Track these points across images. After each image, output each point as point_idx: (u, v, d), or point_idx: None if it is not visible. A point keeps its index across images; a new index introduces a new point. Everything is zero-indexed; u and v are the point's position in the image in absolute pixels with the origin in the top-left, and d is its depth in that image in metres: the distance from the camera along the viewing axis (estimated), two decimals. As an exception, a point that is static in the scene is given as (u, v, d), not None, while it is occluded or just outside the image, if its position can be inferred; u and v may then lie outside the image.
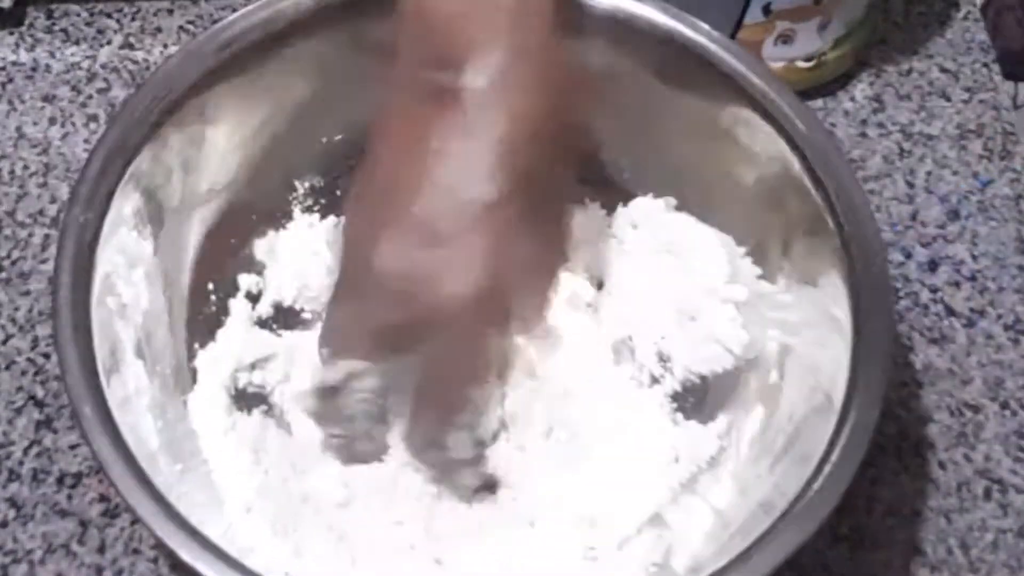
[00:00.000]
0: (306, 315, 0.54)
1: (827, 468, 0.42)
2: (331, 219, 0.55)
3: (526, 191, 0.42)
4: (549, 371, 0.51)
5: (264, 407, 0.51)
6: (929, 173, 0.61)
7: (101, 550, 0.50)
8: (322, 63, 0.53)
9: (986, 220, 0.60)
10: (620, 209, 0.55)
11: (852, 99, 0.63)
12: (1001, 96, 0.64)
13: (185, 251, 0.52)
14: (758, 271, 0.52)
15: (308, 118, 0.54)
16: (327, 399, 0.46)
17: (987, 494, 0.53)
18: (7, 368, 0.54)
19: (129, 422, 0.43)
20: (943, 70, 0.65)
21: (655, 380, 0.52)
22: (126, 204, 0.48)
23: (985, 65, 0.65)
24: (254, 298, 0.54)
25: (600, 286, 0.54)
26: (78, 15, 0.64)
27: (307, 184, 0.56)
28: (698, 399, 0.52)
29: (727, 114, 0.51)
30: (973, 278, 0.58)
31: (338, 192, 0.56)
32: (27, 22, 0.64)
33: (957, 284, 0.58)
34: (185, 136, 0.50)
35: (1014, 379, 0.55)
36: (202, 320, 0.52)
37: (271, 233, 0.55)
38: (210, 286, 0.53)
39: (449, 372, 0.44)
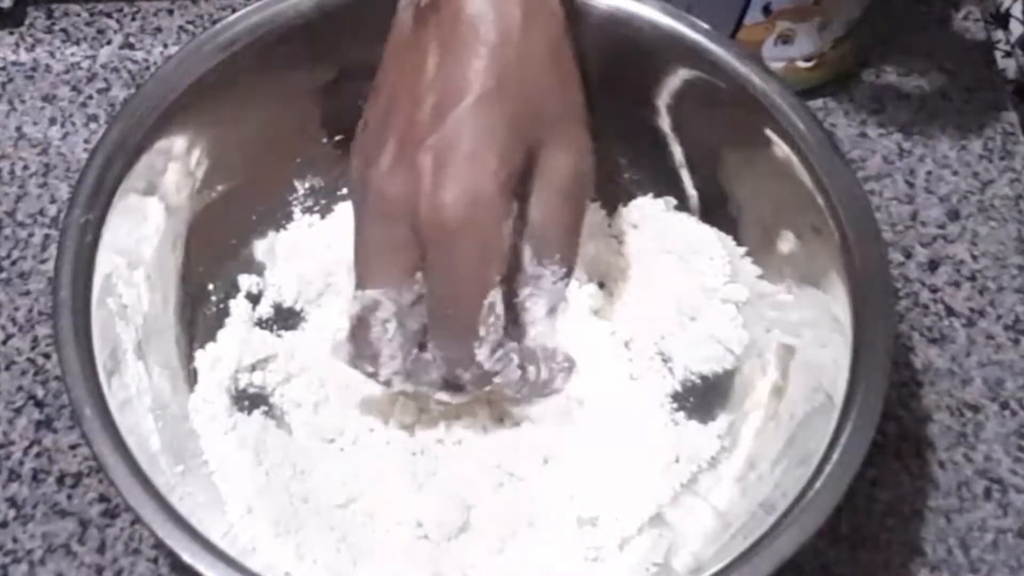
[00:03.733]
0: (306, 316, 0.54)
1: (828, 468, 0.42)
2: (331, 219, 0.55)
3: (519, 89, 0.43)
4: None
5: (265, 408, 0.51)
6: (929, 173, 0.61)
7: (101, 550, 0.50)
8: (322, 63, 0.53)
9: (986, 220, 0.60)
10: (620, 209, 0.55)
11: (852, 99, 0.63)
12: (1001, 96, 0.64)
13: (185, 252, 0.52)
14: (759, 271, 0.52)
15: (308, 118, 0.54)
16: (356, 338, 0.45)
17: (987, 494, 0.53)
18: (7, 368, 0.54)
19: (130, 423, 0.43)
20: (943, 70, 0.65)
21: (656, 380, 0.52)
22: (126, 205, 0.48)
23: (985, 65, 0.65)
24: (254, 299, 0.54)
25: (600, 286, 0.54)
26: (78, 15, 0.64)
27: (307, 184, 0.56)
28: (699, 399, 0.52)
29: (727, 114, 0.51)
30: (973, 278, 0.58)
31: (338, 192, 0.56)
32: (27, 22, 0.64)
33: (957, 284, 0.58)
34: (185, 137, 0.50)
35: (1014, 379, 0.55)
36: (202, 321, 0.52)
37: (271, 234, 0.55)
38: (210, 287, 0.53)
39: (454, 285, 0.44)
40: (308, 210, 0.56)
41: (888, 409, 0.54)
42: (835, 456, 0.42)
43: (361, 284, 0.45)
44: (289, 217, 0.55)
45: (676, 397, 0.52)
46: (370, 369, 0.46)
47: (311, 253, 0.54)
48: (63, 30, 0.64)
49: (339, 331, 0.47)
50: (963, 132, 0.63)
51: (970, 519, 0.52)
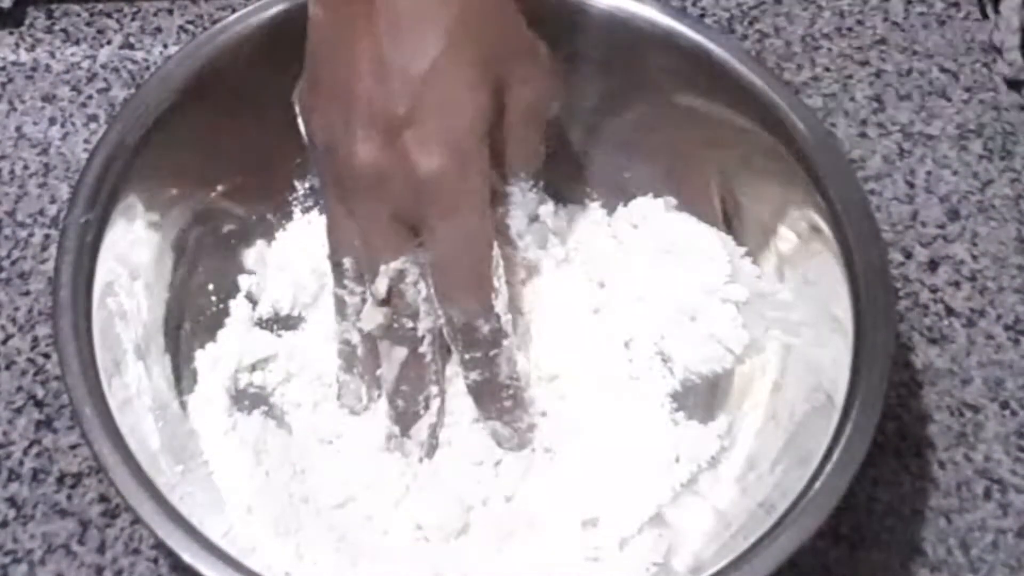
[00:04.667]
0: (305, 317, 0.54)
1: (828, 468, 0.42)
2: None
3: (472, 38, 0.43)
4: (550, 371, 0.51)
5: (265, 408, 0.51)
6: (929, 173, 0.61)
7: (101, 550, 0.50)
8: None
9: (986, 220, 0.60)
10: (620, 209, 0.55)
11: (852, 99, 0.63)
12: (1001, 96, 0.64)
13: (185, 252, 0.52)
14: (758, 271, 0.52)
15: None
16: (390, 304, 0.46)
17: (987, 494, 0.53)
18: (7, 368, 0.54)
19: (130, 423, 0.43)
20: (943, 70, 0.65)
21: (655, 380, 0.52)
22: (127, 205, 0.48)
23: (985, 65, 0.65)
24: (254, 299, 0.54)
25: (600, 286, 0.54)
26: (78, 15, 0.64)
27: (307, 184, 0.56)
28: (699, 399, 0.52)
29: (726, 114, 0.51)
30: (973, 278, 0.58)
31: None
32: (27, 22, 0.64)
33: (957, 284, 0.58)
34: (185, 137, 0.50)
35: (1014, 379, 0.55)
36: (203, 321, 0.52)
37: (272, 233, 0.55)
38: (210, 287, 0.53)
39: (462, 237, 0.44)
40: (308, 210, 0.56)
41: (888, 409, 0.54)
42: (835, 456, 0.42)
43: (375, 260, 0.45)
44: (289, 217, 0.55)
45: (676, 397, 0.52)
46: (410, 326, 0.46)
47: (310, 254, 0.54)
48: (63, 30, 0.64)
49: (284, 307, 0.47)
50: (963, 132, 0.63)
51: (970, 519, 0.52)
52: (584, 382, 0.51)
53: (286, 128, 0.53)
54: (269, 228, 0.55)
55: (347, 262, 0.47)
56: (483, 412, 0.48)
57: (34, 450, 0.52)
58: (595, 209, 0.56)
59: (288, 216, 0.55)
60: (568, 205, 0.55)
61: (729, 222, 0.53)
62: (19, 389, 0.53)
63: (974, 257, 0.59)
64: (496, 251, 0.45)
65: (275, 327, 0.53)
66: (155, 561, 0.49)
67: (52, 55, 0.63)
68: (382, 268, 0.45)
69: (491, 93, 0.44)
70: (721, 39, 0.51)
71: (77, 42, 0.63)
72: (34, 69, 0.62)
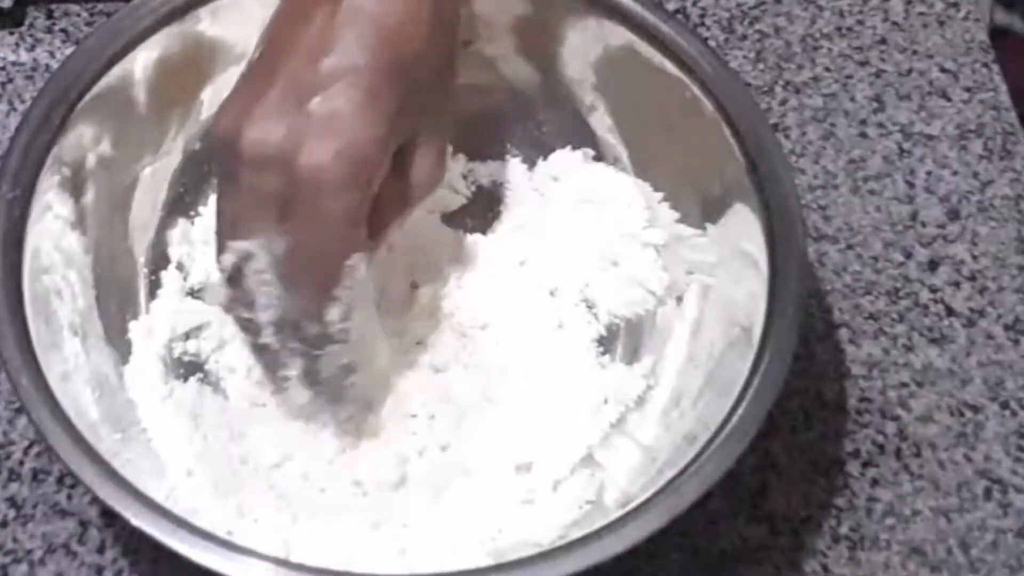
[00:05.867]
0: None
1: (748, 397, 0.44)
2: None
3: (394, 59, 0.43)
4: (477, 323, 0.53)
5: (200, 375, 0.52)
6: (929, 173, 0.61)
7: (101, 550, 0.50)
8: (251, 29, 0.53)
9: (986, 220, 0.60)
10: (540, 163, 0.57)
11: (852, 99, 0.63)
12: (1001, 96, 0.64)
13: (116, 225, 0.52)
14: (676, 215, 0.53)
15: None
16: (231, 286, 0.46)
17: (987, 494, 0.53)
18: (8, 380, 0.53)
19: (68, 395, 0.44)
20: (943, 70, 0.65)
21: (581, 326, 0.53)
22: (54, 178, 0.48)
23: (985, 65, 0.65)
24: (185, 270, 0.54)
25: (525, 238, 0.55)
26: (78, 15, 0.64)
27: None
28: (624, 342, 0.53)
29: (635, 61, 0.52)
30: (973, 278, 0.58)
31: None
32: (27, 22, 0.64)
33: (957, 284, 0.58)
34: (112, 110, 0.50)
35: (1014, 379, 0.55)
36: (135, 292, 0.53)
37: (200, 206, 0.55)
38: (141, 259, 0.53)
39: (319, 239, 0.43)
40: None
41: (888, 409, 0.54)
42: (755, 384, 0.44)
43: (231, 233, 0.44)
44: (215, 188, 0.55)
45: (602, 341, 0.53)
46: (246, 315, 0.46)
47: None
48: (63, 30, 0.64)
49: (215, 276, 0.47)
50: (963, 132, 0.63)
51: (970, 519, 0.52)
52: (513, 331, 0.53)
53: (214, 97, 0.54)
54: (199, 199, 0.55)
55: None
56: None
57: (34, 450, 0.52)
58: (516, 164, 0.57)
59: (215, 188, 0.55)
60: (488, 161, 0.57)
61: (645, 168, 0.54)
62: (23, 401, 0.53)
63: (974, 257, 0.59)
64: (356, 266, 0.44)
65: (207, 296, 0.54)
66: (155, 561, 0.49)
67: (52, 55, 0.63)
68: (230, 243, 0.44)
69: (405, 130, 0.44)
70: None
71: (77, 42, 0.63)
72: (34, 69, 0.62)
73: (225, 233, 0.45)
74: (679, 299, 0.52)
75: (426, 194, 0.47)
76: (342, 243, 0.44)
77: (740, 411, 0.43)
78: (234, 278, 0.45)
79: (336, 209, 0.43)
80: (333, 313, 0.45)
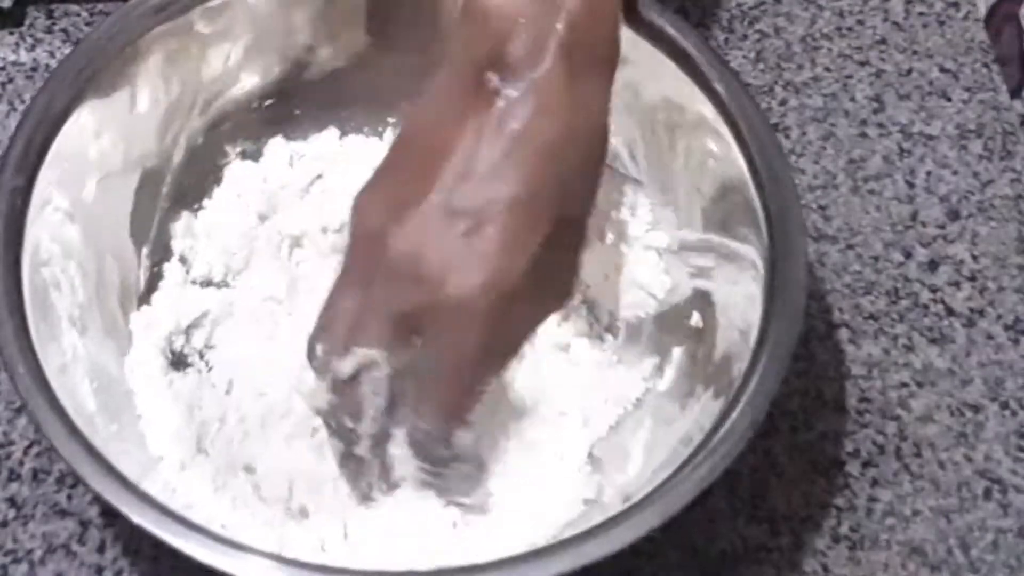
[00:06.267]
0: (238, 279, 0.55)
1: (745, 398, 0.44)
2: (255, 186, 0.56)
3: (552, 199, 0.42)
4: None
5: (199, 366, 0.52)
6: (929, 173, 0.61)
7: (101, 550, 0.50)
8: (252, 25, 0.54)
9: (986, 220, 0.60)
10: None
11: (852, 99, 0.63)
12: (1001, 96, 0.64)
13: (118, 217, 0.52)
14: (679, 219, 0.53)
15: (238, 82, 0.55)
16: (340, 392, 0.45)
17: (987, 494, 0.53)
18: (4, 369, 0.53)
19: (67, 386, 0.44)
20: (943, 70, 0.65)
21: (582, 328, 0.53)
22: (56, 171, 0.48)
23: (985, 65, 0.65)
24: (187, 262, 0.54)
25: None
26: (78, 15, 0.64)
27: (239, 149, 0.56)
28: (624, 344, 0.53)
29: (645, 69, 0.52)
30: (973, 278, 0.58)
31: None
32: (27, 22, 0.64)
33: (957, 284, 0.58)
34: (114, 102, 0.50)
35: (1014, 379, 0.55)
36: (137, 284, 0.53)
37: (203, 199, 0.55)
38: (144, 251, 0.54)
39: (456, 361, 0.43)
40: (235, 179, 0.56)
41: (888, 409, 0.54)
42: (751, 387, 0.44)
43: (354, 338, 0.44)
44: (219, 182, 0.56)
45: (603, 343, 0.53)
46: (349, 425, 0.46)
47: (231, 224, 0.55)
48: (63, 30, 0.64)
49: (310, 380, 0.46)
50: (963, 132, 0.63)
51: (970, 519, 0.52)
52: None
53: (216, 93, 0.54)
54: (201, 193, 0.55)
55: (319, 348, 0.46)
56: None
57: (34, 450, 0.52)
58: None
59: (219, 181, 0.56)
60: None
61: (650, 173, 0.54)
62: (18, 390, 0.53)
63: (974, 257, 0.59)
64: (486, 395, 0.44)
65: (208, 287, 0.54)
66: (155, 561, 0.49)
67: (52, 55, 0.63)
68: (356, 349, 0.44)
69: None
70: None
71: (77, 42, 0.63)
72: (34, 69, 0.62)
73: (346, 336, 0.44)
74: (681, 302, 0.52)
75: (559, 307, 0.47)
76: (479, 372, 0.44)
77: (735, 414, 0.43)
78: (345, 384, 0.44)
79: (477, 339, 0.42)
80: (462, 437, 0.45)
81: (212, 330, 0.53)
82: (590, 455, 0.50)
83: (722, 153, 0.50)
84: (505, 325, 0.43)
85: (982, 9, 0.66)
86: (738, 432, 0.43)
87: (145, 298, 0.53)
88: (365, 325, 0.44)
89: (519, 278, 0.42)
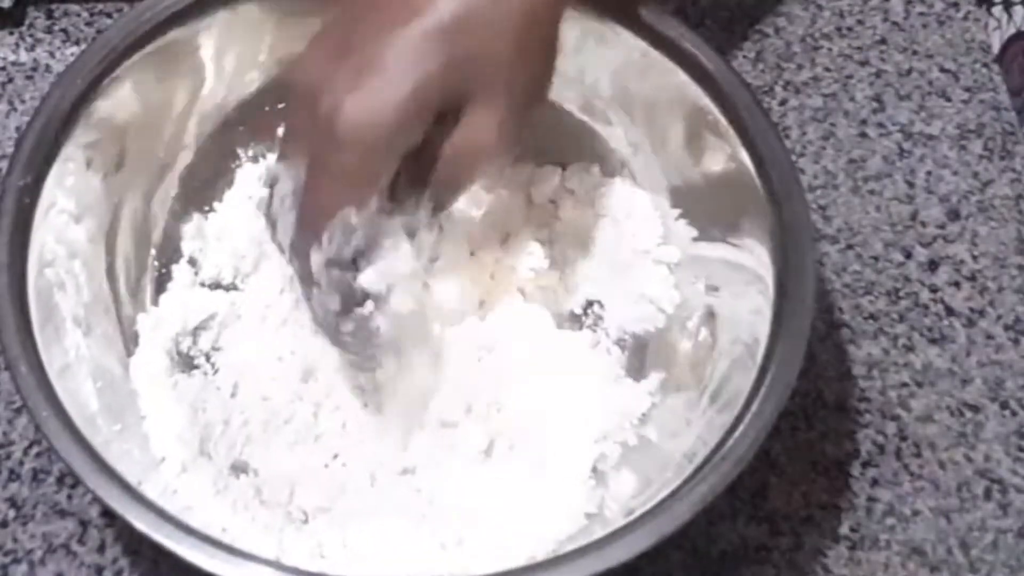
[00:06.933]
0: (246, 280, 0.54)
1: (747, 417, 0.43)
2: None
3: (469, 37, 0.42)
4: (488, 343, 0.52)
5: (205, 368, 0.52)
6: (929, 173, 0.61)
7: (101, 550, 0.50)
8: (263, 29, 0.54)
9: (986, 220, 0.60)
10: (558, 175, 0.56)
11: (852, 99, 0.63)
12: (1001, 96, 0.64)
13: (127, 218, 0.52)
14: (693, 233, 0.53)
15: (250, 86, 0.55)
16: (270, 202, 0.46)
17: (987, 494, 0.53)
18: (7, 368, 0.53)
19: (69, 386, 0.44)
20: (943, 70, 0.65)
21: (591, 341, 0.53)
22: (65, 171, 0.48)
23: (985, 65, 0.65)
24: (197, 264, 0.54)
25: (541, 249, 0.55)
26: (78, 15, 0.64)
27: (250, 152, 0.56)
28: (632, 357, 0.53)
29: (659, 82, 0.52)
30: (973, 278, 0.58)
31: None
32: (27, 22, 0.64)
33: (957, 284, 0.58)
34: (126, 103, 0.51)
35: (1014, 379, 0.55)
36: (145, 285, 0.53)
37: (213, 202, 0.55)
38: (153, 252, 0.54)
39: (324, 188, 0.44)
40: (247, 181, 0.56)
41: (888, 409, 0.54)
42: (755, 405, 0.44)
43: (280, 156, 0.45)
44: (230, 185, 0.56)
45: (610, 356, 0.53)
46: (271, 231, 0.47)
47: (241, 227, 0.55)
48: (63, 30, 0.64)
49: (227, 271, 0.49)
50: (963, 132, 0.63)
51: (970, 519, 0.52)
52: (521, 344, 0.52)
53: (229, 96, 0.54)
54: (211, 196, 0.55)
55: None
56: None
57: (34, 450, 0.52)
58: (532, 173, 0.57)
59: (230, 184, 0.56)
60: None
61: (663, 185, 0.54)
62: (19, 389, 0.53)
63: (974, 257, 0.59)
64: (356, 235, 0.44)
65: (216, 289, 0.54)
66: (155, 561, 0.49)
67: (52, 55, 0.63)
68: (270, 163, 0.45)
69: (444, 94, 0.43)
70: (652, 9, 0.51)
71: (77, 42, 0.63)
72: (34, 69, 0.62)
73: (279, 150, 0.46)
74: (689, 316, 0.52)
75: (478, 163, 0.46)
76: (336, 198, 0.44)
77: (739, 431, 0.43)
78: (269, 198, 0.46)
79: (339, 163, 0.43)
80: (315, 259, 0.44)
81: (219, 332, 0.53)
82: (594, 469, 0.49)
83: (733, 167, 0.50)
84: (379, 155, 0.43)
85: (996, 46, 0.66)
86: (741, 449, 0.43)
87: (153, 299, 0.53)
88: (285, 143, 0.45)
89: (401, 111, 0.42)
